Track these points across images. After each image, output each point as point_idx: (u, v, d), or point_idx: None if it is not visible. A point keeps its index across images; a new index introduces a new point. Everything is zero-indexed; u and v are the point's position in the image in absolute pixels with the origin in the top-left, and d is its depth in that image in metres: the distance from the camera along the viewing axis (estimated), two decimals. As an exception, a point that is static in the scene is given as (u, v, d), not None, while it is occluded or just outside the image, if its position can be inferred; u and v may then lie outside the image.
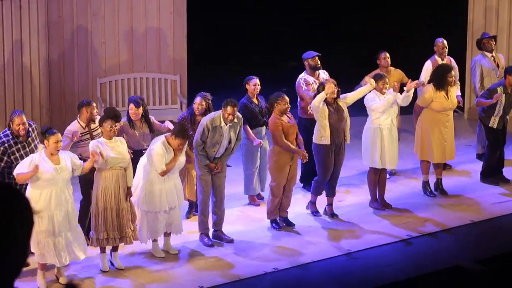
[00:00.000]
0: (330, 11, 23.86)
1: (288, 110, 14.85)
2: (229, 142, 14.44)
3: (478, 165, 17.37)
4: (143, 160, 13.97)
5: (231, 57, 22.50)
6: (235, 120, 14.40)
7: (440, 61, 17.36)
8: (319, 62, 16.30)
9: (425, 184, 16.58)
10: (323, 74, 16.46)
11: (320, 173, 15.35)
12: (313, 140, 15.24)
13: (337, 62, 19.47)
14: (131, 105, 14.65)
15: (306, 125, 15.86)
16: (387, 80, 15.58)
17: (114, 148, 13.38)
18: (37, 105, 18.52)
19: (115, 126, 13.46)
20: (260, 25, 23.07)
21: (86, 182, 13.99)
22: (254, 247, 14.51)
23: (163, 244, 14.25)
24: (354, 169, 17.43)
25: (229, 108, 14.22)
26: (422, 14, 23.75)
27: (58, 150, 12.87)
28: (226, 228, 14.76)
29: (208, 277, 13.54)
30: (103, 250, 13.50)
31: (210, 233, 14.65)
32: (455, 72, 16.87)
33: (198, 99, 14.80)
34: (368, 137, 15.79)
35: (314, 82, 16.14)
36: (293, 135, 14.91)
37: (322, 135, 15.09)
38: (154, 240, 14.09)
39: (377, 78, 15.56)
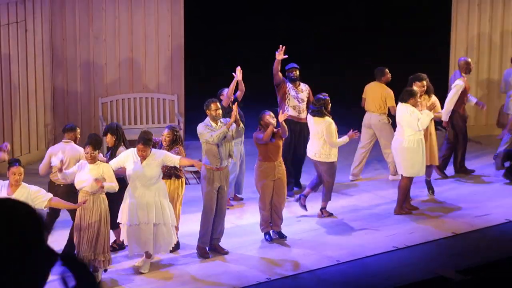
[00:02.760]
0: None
1: (275, 123, 14.97)
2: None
3: (464, 178, 17.57)
4: None
5: (226, 78, 22.56)
6: (222, 119, 14.60)
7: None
8: (297, 74, 17.05)
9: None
10: (303, 86, 17.24)
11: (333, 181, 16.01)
12: (327, 160, 15.81)
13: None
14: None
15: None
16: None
17: (92, 171, 13.37)
18: (42, 123, 18.56)
19: (93, 152, 13.44)
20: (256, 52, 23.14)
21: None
22: (247, 258, 14.56)
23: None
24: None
25: (212, 106, 14.51)
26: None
27: (17, 183, 12.90)
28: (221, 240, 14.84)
29: (203, 287, 13.61)
30: None
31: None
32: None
33: (166, 131, 14.61)
34: (410, 149, 15.88)
35: (292, 89, 17.03)
36: (278, 148, 15.04)
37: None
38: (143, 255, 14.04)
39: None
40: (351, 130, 15.94)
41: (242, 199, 16.80)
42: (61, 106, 18.92)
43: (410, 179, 16.14)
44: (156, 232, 13.80)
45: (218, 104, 14.64)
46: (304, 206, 16.12)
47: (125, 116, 19.12)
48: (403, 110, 15.85)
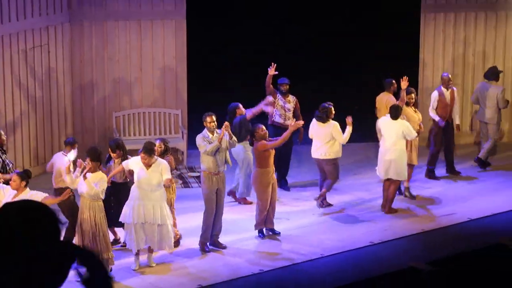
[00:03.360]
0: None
1: (266, 136, 15.01)
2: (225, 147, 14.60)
3: (434, 183, 17.59)
4: None
5: (226, 94, 22.56)
6: (218, 130, 14.60)
7: (445, 92, 17.97)
8: (287, 88, 17.51)
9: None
10: (291, 97, 17.63)
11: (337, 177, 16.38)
12: (335, 156, 16.11)
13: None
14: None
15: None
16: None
17: (92, 178, 13.27)
18: (64, 134, 18.51)
19: (91, 164, 13.34)
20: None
21: (66, 208, 13.94)
22: (243, 253, 14.54)
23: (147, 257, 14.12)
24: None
25: (208, 118, 14.59)
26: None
27: (16, 189, 12.80)
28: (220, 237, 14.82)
29: (204, 277, 13.57)
30: None
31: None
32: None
33: (157, 142, 14.53)
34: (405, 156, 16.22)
35: (281, 99, 17.54)
36: (271, 157, 15.03)
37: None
38: (136, 253, 13.93)
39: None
40: (347, 117, 16.12)
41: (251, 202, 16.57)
42: (79, 120, 18.90)
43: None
44: (160, 231, 13.72)
45: (213, 117, 14.63)
46: (329, 205, 16.40)
47: (136, 128, 19.10)
48: (400, 124, 15.98)
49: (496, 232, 15.03)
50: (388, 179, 16.24)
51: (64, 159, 13.93)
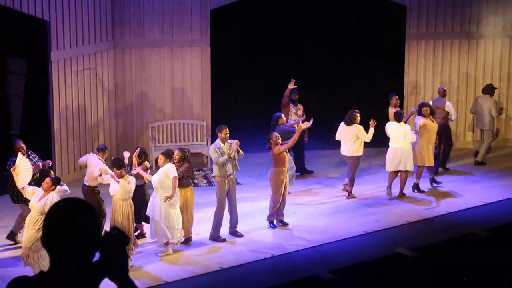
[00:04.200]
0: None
1: (279, 141, 14.89)
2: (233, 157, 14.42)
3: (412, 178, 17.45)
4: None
5: (244, 108, 22.49)
6: (229, 140, 14.43)
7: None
8: (297, 97, 17.85)
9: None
10: (300, 105, 17.92)
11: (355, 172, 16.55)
12: (356, 154, 16.30)
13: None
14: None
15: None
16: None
17: (120, 184, 13.15)
18: (108, 143, 18.47)
19: (118, 171, 13.23)
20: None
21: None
22: (257, 240, 14.44)
23: None
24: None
25: (224, 130, 14.48)
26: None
27: (45, 190, 12.60)
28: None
29: (222, 260, 13.47)
30: None
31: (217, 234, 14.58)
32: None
33: (176, 151, 14.22)
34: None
35: (293, 107, 17.81)
36: (284, 158, 14.90)
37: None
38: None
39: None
40: (371, 120, 16.26)
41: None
42: (121, 130, 18.86)
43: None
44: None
45: (227, 129, 14.51)
46: (353, 197, 16.59)
47: (168, 136, 19.04)
48: (403, 127, 16.47)
49: (469, 223, 14.89)
50: (397, 171, 16.52)
51: (95, 169, 13.83)
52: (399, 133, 16.39)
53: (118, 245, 3.62)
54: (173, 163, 13.80)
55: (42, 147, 17.05)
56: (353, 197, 16.58)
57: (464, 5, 19.99)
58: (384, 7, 20.84)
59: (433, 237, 13.99)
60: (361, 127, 16.31)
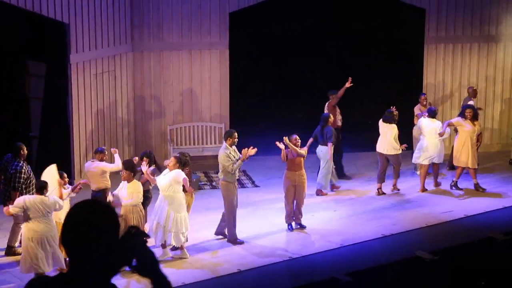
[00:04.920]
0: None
1: (299, 144, 14.89)
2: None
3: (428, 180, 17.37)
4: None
5: (261, 111, 22.48)
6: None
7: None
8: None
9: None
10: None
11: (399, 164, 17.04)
12: (395, 153, 16.77)
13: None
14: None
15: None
16: None
17: (129, 189, 13.13)
18: (127, 144, 18.54)
19: (124, 174, 13.25)
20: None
21: None
22: (274, 243, 14.43)
23: None
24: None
25: (235, 135, 14.43)
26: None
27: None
28: (253, 230, 14.68)
29: (240, 262, 13.46)
30: None
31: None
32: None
33: (177, 156, 14.03)
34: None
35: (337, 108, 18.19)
36: (298, 162, 14.85)
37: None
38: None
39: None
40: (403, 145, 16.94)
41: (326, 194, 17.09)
42: (140, 132, 18.90)
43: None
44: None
45: (236, 134, 14.50)
46: (383, 193, 16.94)
47: (186, 139, 19.06)
48: (435, 123, 17.15)
49: (488, 227, 14.81)
50: (429, 165, 17.12)
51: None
52: (431, 128, 16.93)
53: (141, 241, 3.62)
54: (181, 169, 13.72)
55: (60, 149, 17.13)
56: (398, 190, 17.11)
57: (483, 9, 19.92)
58: (403, 10, 20.80)
59: (451, 241, 13.92)
60: (395, 127, 16.74)
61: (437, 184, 17.37)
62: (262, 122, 21.43)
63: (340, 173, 18.01)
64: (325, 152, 16.74)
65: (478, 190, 17.09)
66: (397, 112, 16.85)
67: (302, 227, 15.09)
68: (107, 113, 18.00)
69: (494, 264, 11.58)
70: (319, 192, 16.95)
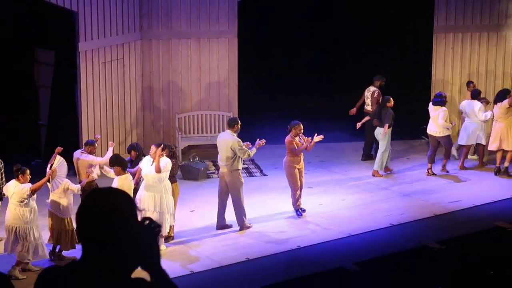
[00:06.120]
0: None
1: (301, 133, 14.86)
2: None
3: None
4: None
5: (269, 99, 22.50)
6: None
7: None
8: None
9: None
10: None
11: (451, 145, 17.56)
12: (446, 134, 17.17)
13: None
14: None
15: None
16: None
17: (118, 182, 13.03)
18: (135, 133, 18.58)
19: (114, 170, 13.19)
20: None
21: None
22: (282, 231, 14.45)
23: None
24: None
25: (239, 122, 14.50)
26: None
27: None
28: (261, 217, 14.69)
29: (247, 251, 13.49)
30: None
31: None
32: None
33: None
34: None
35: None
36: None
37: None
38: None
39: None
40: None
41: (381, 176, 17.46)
42: (148, 121, 18.94)
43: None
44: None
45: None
46: (434, 174, 17.39)
47: (195, 127, 19.09)
48: (477, 105, 17.68)
49: (496, 216, 14.80)
50: (470, 145, 17.74)
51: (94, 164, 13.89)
52: (472, 110, 17.47)
53: (152, 234, 3.62)
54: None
55: (69, 137, 17.18)
56: (447, 172, 17.50)
57: (493, -2, 19.87)
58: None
59: (459, 230, 13.93)
60: (446, 110, 17.17)
61: (482, 164, 17.88)
62: (271, 111, 21.44)
63: (368, 155, 18.49)
64: (382, 133, 17.22)
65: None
66: (446, 94, 17.44)
67: (303, 210, 15.14)
68: (116, 102, 18.04)
69: (502, 254, 11.59)
70: (375, 173, 17.40)
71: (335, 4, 22.54)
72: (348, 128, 19.79)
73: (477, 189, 16.65)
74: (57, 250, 13.15)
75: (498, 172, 17.36)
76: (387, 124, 17.04)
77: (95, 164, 13.98)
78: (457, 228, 14.26)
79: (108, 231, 3.54)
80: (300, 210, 15.07)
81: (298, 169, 14.91)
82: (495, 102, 17.41)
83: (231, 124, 14.48)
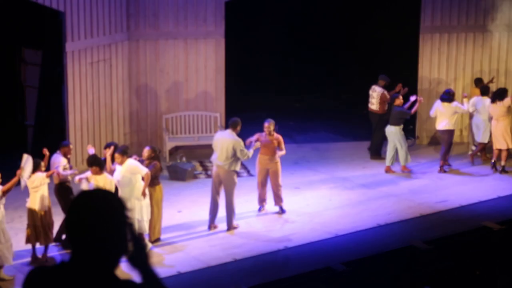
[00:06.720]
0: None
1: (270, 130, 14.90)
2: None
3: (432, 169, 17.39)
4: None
5: (257, 99, 22.50)
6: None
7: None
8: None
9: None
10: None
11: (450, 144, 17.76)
12: (449, 128, 17.52)
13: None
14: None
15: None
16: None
17: (99, 182, 12.95)
18: (122, 133, 18.54)
19: (92, 170, 13.12)
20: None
21: (66, 204, 13.28)
22: (270, 232, 14.45)
23: None
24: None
25: (240, 123, 14.48)
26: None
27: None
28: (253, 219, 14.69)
29: (235, 252, 13.49)
30: None
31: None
32: None
33: (147, 148, 13.83)
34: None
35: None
36: (270, 147, 14.90)
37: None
38: None
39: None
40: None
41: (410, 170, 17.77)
42: (135, 121, 18.91)
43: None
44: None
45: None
46: (445, 171, 17.66)
47: (182, 128, 19.07)
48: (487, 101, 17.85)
49: (482, 216, 14.86)
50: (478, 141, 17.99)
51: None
52: (484, 106, 17.76)
53: (137, 235, 3.63)
54: (141, 160, 13.58)
55: (56, 138, 17.11)
56: (449, 165, 17.78)
57: (479, -2, 19.94)
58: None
59: (446, 230, 13.98)
60: (458, 103, 17.64)
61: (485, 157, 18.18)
62: (258, 111, 21.42)
63: (377, 153, 18.61)
64: (395, 132, 17.41)
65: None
66: (454, 92, 17.79)
67: (282, 211, 15.14)
68: (103, 102, 18.00)
69: (489, 253, 11.64)
70: (404, 169, 17.65)
71: (322, 5, 22.58)
72: (335, 128, 19.83)
73: (464, 189, 16.69)
74: (37, 247, 13.07)
75: (494, 167, 17.51)
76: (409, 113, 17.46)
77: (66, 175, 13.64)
78: (444, 228, 14.30)
79: (99, 231, 3.55)
80: (260, 209, 15.20)
81: (266, 169, 14.94)
82: (494, 101, 17.41)
83: (233, 124, 14.47)
